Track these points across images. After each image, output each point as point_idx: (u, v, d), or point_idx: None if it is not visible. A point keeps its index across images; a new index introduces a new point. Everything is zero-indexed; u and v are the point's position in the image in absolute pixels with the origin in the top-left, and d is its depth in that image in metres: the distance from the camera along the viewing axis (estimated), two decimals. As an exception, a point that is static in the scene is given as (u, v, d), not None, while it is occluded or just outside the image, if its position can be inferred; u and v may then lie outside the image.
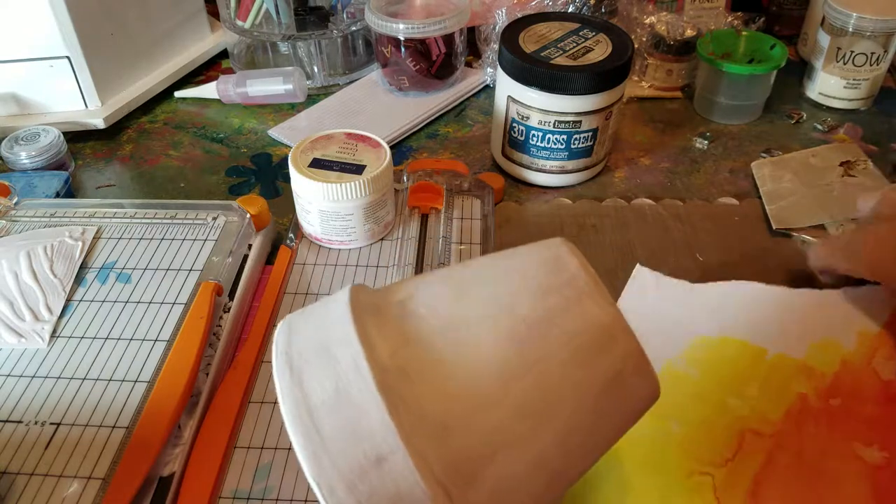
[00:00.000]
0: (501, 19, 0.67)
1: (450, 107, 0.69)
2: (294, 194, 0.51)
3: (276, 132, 0.66)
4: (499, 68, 0.57)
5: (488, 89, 0.72)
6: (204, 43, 0.75)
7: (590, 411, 0.28)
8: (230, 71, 0.75)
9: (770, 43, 0.66)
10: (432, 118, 0.67)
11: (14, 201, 0.53)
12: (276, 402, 0.33)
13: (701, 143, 0.64)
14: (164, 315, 0.45)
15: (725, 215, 0.56)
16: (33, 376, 0.41)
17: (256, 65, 0.74)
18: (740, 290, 0.48)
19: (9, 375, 0.41)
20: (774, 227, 0.54)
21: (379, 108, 0.68)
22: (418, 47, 0.66)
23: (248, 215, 0.51)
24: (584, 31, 0.57)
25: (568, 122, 0.55)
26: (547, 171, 0.58)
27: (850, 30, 0.64)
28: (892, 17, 0.62)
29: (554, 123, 0.55)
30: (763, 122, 0.67)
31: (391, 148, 0.54)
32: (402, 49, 0.66)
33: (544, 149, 0.57)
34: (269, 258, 0.52)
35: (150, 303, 0.46)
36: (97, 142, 0.66)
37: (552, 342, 0.27)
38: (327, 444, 0.25)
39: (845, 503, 0.37)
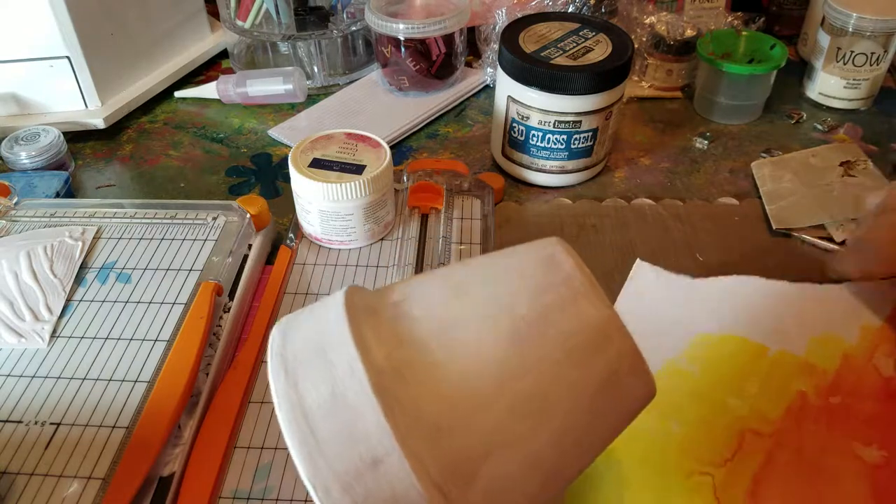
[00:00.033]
0: (501, 19, 0.67)
1: (450, 107, 0.69)
2: (294, 194, 0.51)
3: (276, 132, 0.66)
4: (499, 68, 0.57)
5: (488, 89, 0.72)
6: (204, 43, 0.75)
7: (585, 411, 0.28)
8: (230, 71, 0.75)
9: (770, 43, 0.66)
10: (432, 118, 0.67)
11: (14, 201, 0.53)
12: (276, 402, 0.33)
13: (701, 143, 0.64)
14: (164, 315, 0.45)
15: (725, 215, 0.56)
16: (33, 376, 0.41)
17: (256, 65, 0.74)
18: (742, 284, 0.48)
19: (9, 375, 0.41)
20: (774, 227, 0.54)
21: (379, 108, 0.68)
22: (418, 47, 0.66)
23: (248, 215, 0.51)
24: (584, 31, 0.58)
25: (568, 122, 0.55)
26: (547, 171, 0.58)
27: (850, 30, 0.64)
28: (892, 17, 0.62)
29: (554, 123, 0.55)
30: (763, 122, 0.67)
31: (391, 148, 0.54)
32: (402, 49, 0.66)
33: (544, 149, 0.57)
34: (269, 258, 0.52)
35: (150, 303, 0.46)
36: (97, 142, 0.66)
37: (547, 342, 0.27)
38: (323, 446, 0.25)
39: (844, 502, 0.37)
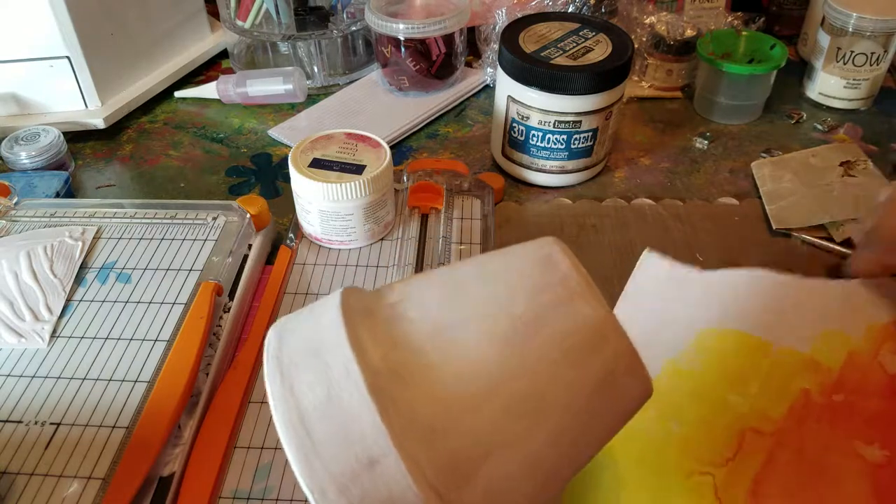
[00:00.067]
0: (501, 19, 0.67)
1: (450, 107, 0.69)
2: (294, 194, 0.51)
3: (276, 132, 0.66)
4: (499, 68, 0.57)
5: (488, 89, 0.72)
6: (204, 43, 0.75)
7: (582, 411, 0.28)
8: (230, 71, 0.75)
9: (770, 43, 0.66)
10: (432, 118, 0.67)
11: (14, 201, 0.53)
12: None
13: (701, 143, 0.64)
14: (164, 315, 0.45)
15: (725, 215, 0.56)
16: (33, 376, 0.41)
17: (256, 65, 0.74)
18: (749, 277, 0.47)
19: (9, 375, 0.41)
20: (774, 227, 0.54)
21: (379, 108, 0.68)
22: (418, 47, 0.66)
23: (248, 215, 0.51)
24: (584, 31, 0.58)
25: (568, 122, 0.55)
26: (547, 171, 0.58)
27: (850, 30, 0.64)
28: (892, 17, 0.62)
29: (554, 123, 0.55)
30: (763, 122, 0.67)
31: (391, 148, 0.54)
32: (402, 49, 0.66)
33: (544, 149, 0.57)
34: (269, 258, 0.52)
35: (150, 303, 0.46)
36: (97, 142, 0.66)
37: (543, 342, 0.27)
38: (318, 448, 0.25)
39: (846, 502, 0.37)
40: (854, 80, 0.66)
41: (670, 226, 0.55)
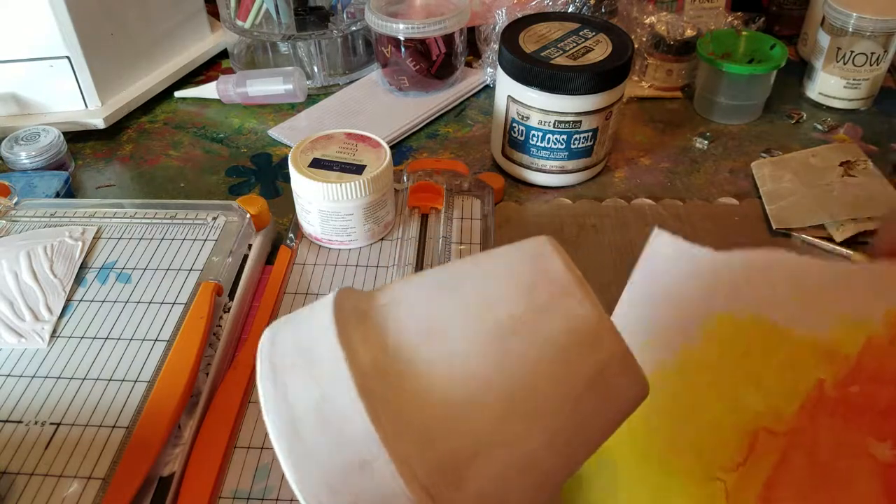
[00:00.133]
0: (501, 19, 0.67)
1: (450, 107, 0.69)
2: (294, 194, 0.51)
3: (276, 132, 0.66)
4: (499, 68, 0.57)
5: (488, 89, 0.72)
6: (204, 43, 0.75)
7: (575, 411, 0.28)
8: (230, 71, 0.75)
9: (770, 43, 0.66)
10: (432, 118, 0.67)
11: (14, 201, 0.53)
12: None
13: (701, 143, 0.64)
14: (164, 315, 0.45)
15: (725, 215, 0.56)
16: (33, 376, 0.41)
17: (256, 65, 0.74)
18: (767, 258, 0.44)
19: (9, 375, 0.41)
20: (774, 227, 0.54)
21: (379, 108, 0.68)
22: (418, 47, 0.66)
23: (248, 215, 0.51)
24: (584, 31, 0.58)
25: (568, 122, 0.55)
26: (547, 171, 0.58)
27: (850, 30, 0.64)
28: (892, 17, 0.62)
29: (554, 123, 0.55)
30: (763, 122, 0.68)
31: (391, 148, 0.54)
32: (402, 49, 0.66)
33: (544, 149, 0.57)
34: (269, 258, 0.52)
35: (150, 303, 0.46)
36: (97, 142, 0.66)
37: (535, 342, 0.27)
38: (310, 451, 0.26)
39: (855, 501, 0.36)
40: (854, 80, 0.66)
41: (670, 226, 0.55)
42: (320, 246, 0.52)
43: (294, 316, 0.31)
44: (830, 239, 0.53)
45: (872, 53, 0.65)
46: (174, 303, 0.45)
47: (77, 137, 0.65)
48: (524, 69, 0.54)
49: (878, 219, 0.49)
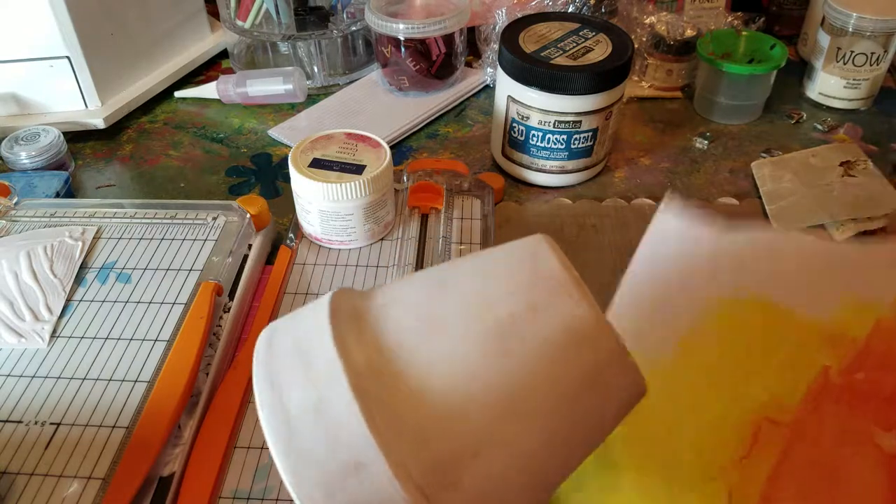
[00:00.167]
0: (501, 19, 0.67)
1: (450, 107, 0.69)
2: (294, 194, 0.51)
3: (276, 132, 0.66)
4: (499, 68, 0.57)
5: (488, 89, 0.72)
6: (204, 43, 0.75)
7: (571, 410, 0.28)
8: (230, 71, 0.75)
9: (770, 43, 0.66)
10: (432, 118, 0.67)
11: (14, 201, 0.53)
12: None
13: (701, 143, 0.64)
14: (164, 315, 0.45)
15: (725, 215, 0.56)
16: (33, 376, 0.41)
17: (256, 65, 0.74)
18: (772, 238, 0.43)
19: (9, 375, 0.41)
20: (774, 227, 0.54)
21: (379, 108, 0.68)
22: (418, 47, 0.66)
23: (248, 215, 0.51)
24: (584, 31, 0.58)
25: (568, 122, 0.55)
26: (547, 171, 0.58)
27: (850, 30, 0.64)
28: (892, 17, 0.62)
29: (554, 123, 0.55)
30: (763, 122, 0.68)
31: (391, 148, 0.54)
32: (402, 49, 0.66)
33: (544, 149, 0.57)
34: (269, 258, 0.52)
35: (150, 303, 0.46)
36: (97, 142, 0.66)
37: (531, 342, 0.27)
38: (305, 452, 0.25)
39: (859, 497, 0.35)
40: (854, 80, 0.66)
41: (670, 226, 0.55)
42: (320, 246, 0.52)
43: (290, 317, 0.31)
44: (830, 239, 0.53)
45: (872, 53, 0.65)
46: (174, 303, 0.45)
47: (77, 137, 0.65)
48: (524, 69, 0.54)
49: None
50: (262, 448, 0.39)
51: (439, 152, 0.64)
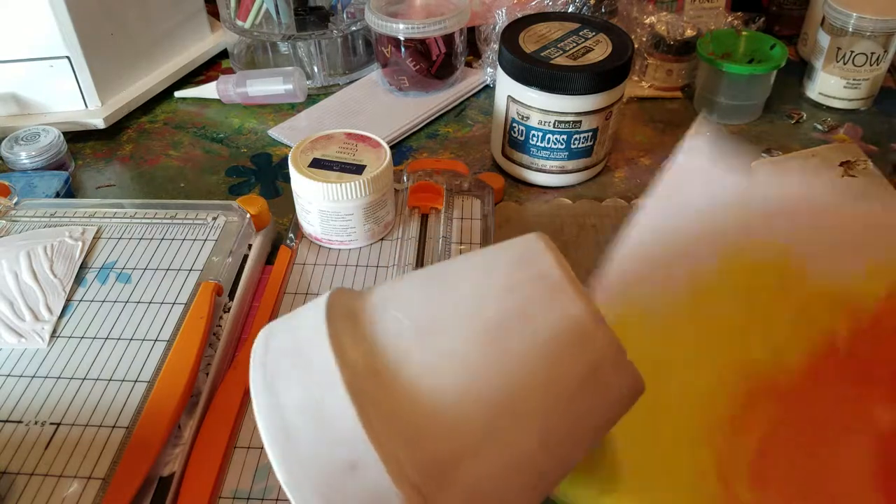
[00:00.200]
0: (501, 19, 0.67)
1: (450, 107, 0.69)
2: (294, 194, 0.51)
3: (276, 132, 0.66)
4: (499, 68, 0.57)
5: (488, 89, 0.72)
6: (204, 43, 0.75)
7: (567, 409, 0.28)
8: (230, 71, 0.75)
9: (770, 43, 0.66)
10: (432, 118, 0.67)
11: (14, 201, 0.53)
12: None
13: (701, 143, 0.64)
14: (164, 315, 0.45)
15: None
16: (33, 376, 0.41)
17: (256, 65, 0.74)
18: (803, 195, 0.40)
19: (9, 375, 0.41)
20: (774, 227, 0.54)
21: (379, 108, 0.68)
22: (418, 47, 0.66)
23: (248, 215, 0.51)
24: (584, 31, 0.58)
25: (568, 122, 0.55)
26: (547, 171, 0.58)
27: (850, 30, 0.64)
28: (892, 17, 0.62)
29: (554, 123, 0.55)
30: (763, 122, 0.68)
31: (391, 148, 0.54)
32: (402, 49, 0.66)
33: (544, 149, 0.57)
34: (269, 258, 0.52)
35: (150, 303, 0.46)
36: (97, 142, 0.66)
37: (524, 340, 0.27)
38: (300, 452, 0.26)
39: (847, 477, 0.33)
40: (854, 80, 0.66)
41: (670, 226, 0.55)
42: (320, 246, 0.52)
43: (287, 318, 0.31)
44: (830, 239, 0.53)
45: (872, 53, 0.65)
46: (174, 303, 0.45)
47: (77, 137, 0.65)
48: (524, 69, 0.54)
49: None
50: (262, 448, 0.39)
51: (439, 152, 0.64)
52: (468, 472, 0.26)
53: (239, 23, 0.70)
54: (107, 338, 0.43)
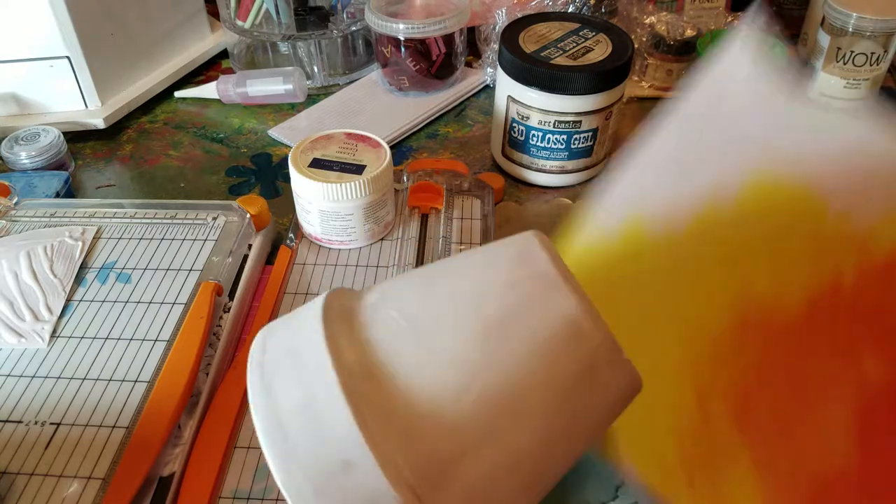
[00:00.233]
0: (501, 19, 0.67)
1: (450, 107, 0.69)
2: (294, 194, 0.51)
3: (276, 132, 0.66)
4: (499, 68, 0.57)
5: (488, 89, 0.72)
6: (204, 43, 0.75)
7: (564, 407, 0.28)
8: (230, 71, 0.75)
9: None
10: (432, 118, 0.67)
11: (14, 201, 0.53)
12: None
13: (701, 143, 0.64)
14: (164, 315, 0.45)
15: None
16: (33, 376, 0.41)
17: (256, 65, 0.74)
18: (850, 132, 0.36)
19: (9, 375, 0.41)
20: (774, 227, 0.54)
21: (379, 108, 0.68)
22: (418, 47, 0.66)
23: (248, 215, 0.51)
24: (584, 31, 0.58)
25: (568, 122, 0.55)
26: (547, 171, 0.58)
27: (850, 30, 0.64)
28: (892, 17, 0.62)
29: (554, 123, 0.55)
30: (763, 122, 0.67)
31: (391, 148, 0.54)
32: (402, 49, 0.66)
33: (544, 149, 0.57)
34: (269, 258, 0.52)
35: (150, 303, 0.46)
36: (97, 142, 0.66)
37: (519, 338, 0.27)
38: (296, 450, 0.26)
39: (822, 427, 0.32)
40: (854, 80, 0.66)
41: (670, 225, 0.55)
42: (320, 246, 0.52)
43: (286, 319, 0.31)
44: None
45: (872, 53, 0.65)
46: (174, 303, 0.45)
47: (77, 137, 0.65)
48: (524, 69, 0.54)
49: None
50: (262, 448, 0.39)
51: (439, 152, 0.64)
52: (465, 473, 0.26)
53: (239, 23, 0.70)
54: (107, 338, 0.43)
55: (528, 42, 0.56)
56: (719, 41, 0.66)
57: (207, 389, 0.41)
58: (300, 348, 0.28)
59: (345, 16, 0.70)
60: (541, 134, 0.56)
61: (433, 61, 0.67)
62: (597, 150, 0.58)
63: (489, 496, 0.27)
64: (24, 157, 0.59)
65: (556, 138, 0.56)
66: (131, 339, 0.43)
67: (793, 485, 0.32)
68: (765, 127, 0.36)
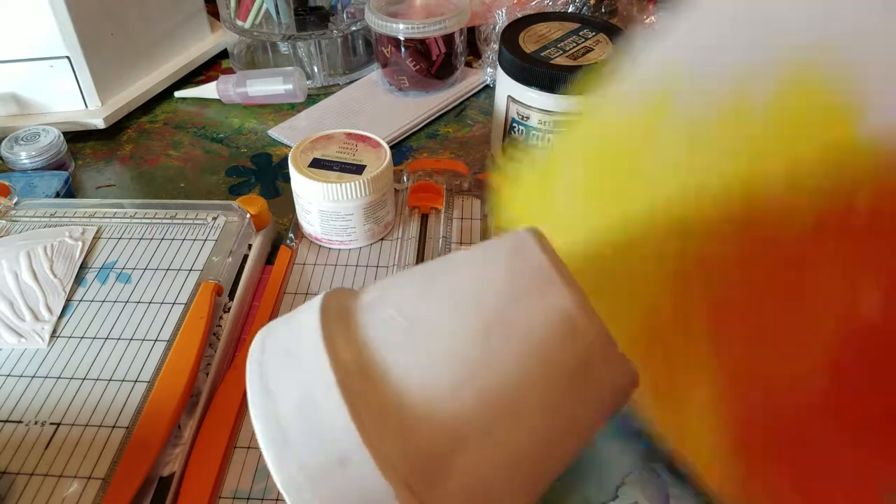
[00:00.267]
0: (501, 19, 0.67)
1: (450, 107, 0.69)
2: (294, 194, 0.51)
3: (276, 132, 0.66)
4: (499, 68, 0.57)
5: (488, 89, 0.72)
6: (204, 43, 0.75)
7: (560, 404, 0.28)
8: (230, 71, 0.75)
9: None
10: (432, 118, 0.67)
11: (14, 201, 0.53)
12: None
13: (701, 143, 0.64)
14: (164, 315, 0.45)
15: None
16: (33, 376, 0.41)
17: (256, 65, 0.74)
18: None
19: (9, 375, 0.41)
20: (774, 227, 0.54)
21: (379, 108, 0.68)
22: (418, 47, 0.66)
23: (248, 215, 0.51)
24: (584, 31, 0.58)
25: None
26: (547, 171, 0.58)
27: (851, 29, 0.64)
28: (893, 17, 0.62)
29: (554, 123, 0.55)
30: (763, 122, 0.67)
31: (391, 148, 0.54)
32: (402, 49, 0.66)
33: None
34: (269, 258, 0.52)
35: (150, 303, 0.46)
36: (97, 142, 0.66)
37: (516, 336, 0.27)
38: (293, 449, 0.26)
39: (801, 355, 0.29)
40: (854, 79, 0.66)
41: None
42: (320, 246, 0.52)
43: (285, 318, 0.31)
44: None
45: None
46: (174, 303, 0.45)
47: (77, 137, 0.65)
48: (524, 69, 0.54)
49: None
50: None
51: (439, 152, 0.64)
52: (460, 470, 0.26)
53: (239, 23, 0.70)
54: (107, 338, 0.43)
55: (528, 42, 0.56)
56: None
57: (207, 389, 0.41)
58: (298, 348, 0.28)
59: (345, 16, 0.70)
60: (541, 134, 0.56)
61: (433, 61, 0.67)
62: (597, 150, 0.57)
63: (487, 493, 0.27)
64: (24, 157, 0.59)
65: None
66: (131, 339, 0.43)
67: (748, 387, 0.30)
68: (813, 18, 0.32)
